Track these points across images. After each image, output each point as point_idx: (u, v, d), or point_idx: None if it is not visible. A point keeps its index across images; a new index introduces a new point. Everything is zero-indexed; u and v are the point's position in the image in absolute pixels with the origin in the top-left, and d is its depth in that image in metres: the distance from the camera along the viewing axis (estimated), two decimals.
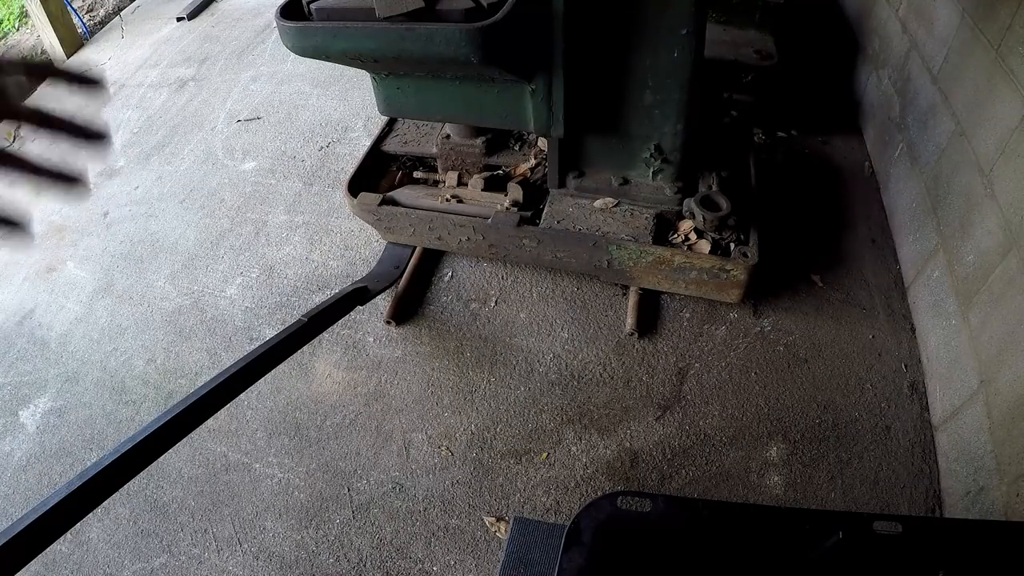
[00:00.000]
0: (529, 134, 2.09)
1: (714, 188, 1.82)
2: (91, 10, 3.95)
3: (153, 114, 2.96)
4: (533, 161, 2.04)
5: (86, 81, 0.54)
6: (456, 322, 1.95)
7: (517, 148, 2.09)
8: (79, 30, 3.61)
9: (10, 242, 0.54)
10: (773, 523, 0.92)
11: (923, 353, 1.73)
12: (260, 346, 1.43)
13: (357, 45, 1.46)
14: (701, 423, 1.67)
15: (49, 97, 0.55)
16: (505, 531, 1.50)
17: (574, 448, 1.65)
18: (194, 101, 3.00)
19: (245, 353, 1.41)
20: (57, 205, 2.56)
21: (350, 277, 2.10)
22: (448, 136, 2.06)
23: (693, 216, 1.79)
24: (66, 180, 0.54)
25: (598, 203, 1.87)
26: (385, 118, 2.22)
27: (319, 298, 2.04)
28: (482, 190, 1.99)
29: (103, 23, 3.81)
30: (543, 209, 1.90)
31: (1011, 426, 1.27)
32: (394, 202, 1.99)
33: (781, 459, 1.59)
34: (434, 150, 2.11)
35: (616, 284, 1.96)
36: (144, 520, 1.63)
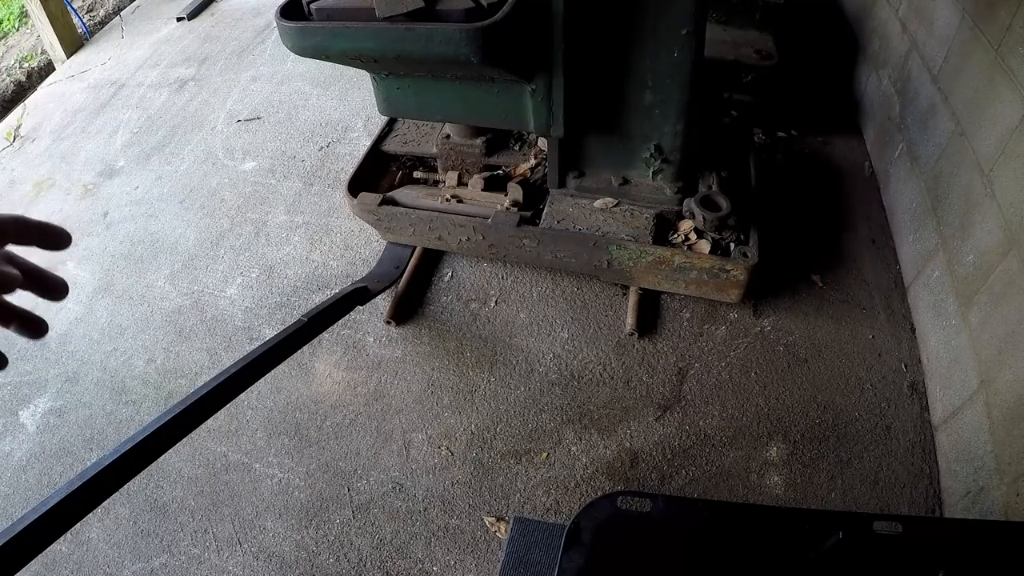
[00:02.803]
0: (529, 134, 2.09)
1: (714, 188, 1.82)
2: (91, 10, 3.95)
3: (153, 114, 2.96)
4: (533, 161, 2.04)
5: (51, 234, 0.57)
6: (456, 322, 1.95)
7: (517, 148, 2.09)
8: (79, 30, 3.62)
9: (28, 336, 0.57)
10: (773, 523, 0.92)
11: (923, 353, 1.73)
12: (260, 346, 1.43)
13: (357, 45, 1.46)
14: (701, 423, 1.67)
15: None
16: (505, 531, 1.50)
17: (574, 448, 1.65)
18: (194, 101, 3.00)
19: (245, 353, 1.41)
20: (57, 204, 2.57)
21: (350, 277, 2.10)
22: (448, 136, 2.06)
23: (693, 216, 1.79)
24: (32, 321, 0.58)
25: (598, 203, 1.87)
26: (385, 118, 2.22)
27: (319, 298, 2.04)
28: (482, 190, 1.99)
29: (103, 23, 3.81)
30: (543, 209, 1.90)
31: (1011, 426, 1.27)
32: (394, 202, 1.99)
33: (781, 459, 1.59)
34: (434, 150, 2.11)
35: (616, 284, 1.95)
36: (144, 520, 1.63)
